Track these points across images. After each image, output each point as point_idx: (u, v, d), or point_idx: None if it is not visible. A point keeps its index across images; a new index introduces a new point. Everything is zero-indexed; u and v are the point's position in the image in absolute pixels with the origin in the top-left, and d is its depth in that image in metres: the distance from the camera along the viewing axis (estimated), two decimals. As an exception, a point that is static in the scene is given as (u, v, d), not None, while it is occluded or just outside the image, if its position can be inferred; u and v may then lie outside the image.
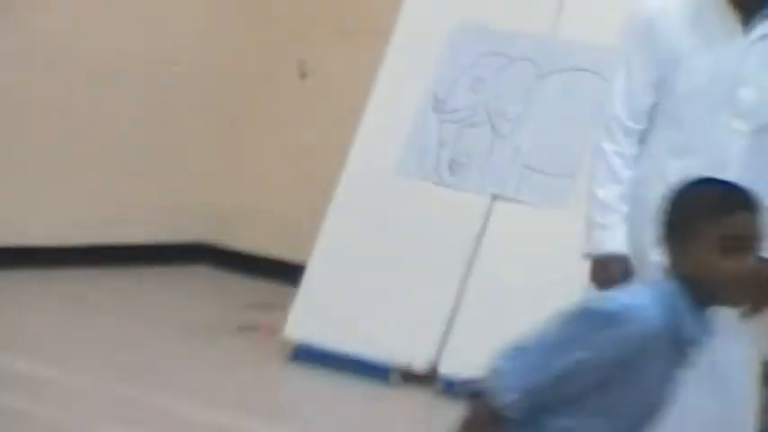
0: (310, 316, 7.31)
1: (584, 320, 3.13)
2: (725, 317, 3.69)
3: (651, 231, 3.83)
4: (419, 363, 6.91)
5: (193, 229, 10.05)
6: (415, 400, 6.98)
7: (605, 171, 4.60)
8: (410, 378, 6.96)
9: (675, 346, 3.15)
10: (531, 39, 7.34)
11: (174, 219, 9.91)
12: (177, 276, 9.33)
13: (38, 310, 8.03)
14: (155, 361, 7.24)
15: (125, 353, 7.34)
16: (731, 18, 4.45)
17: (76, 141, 9.36)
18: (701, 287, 3.11)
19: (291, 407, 7.53)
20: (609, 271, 4.43)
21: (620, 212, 4.47)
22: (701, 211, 3.34)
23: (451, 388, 6.71)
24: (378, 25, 7.96)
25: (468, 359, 6.52)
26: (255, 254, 9.38)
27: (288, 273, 7.97)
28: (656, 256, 3.68)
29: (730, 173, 4.21)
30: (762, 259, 3.63)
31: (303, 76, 9.12)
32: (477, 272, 7.03)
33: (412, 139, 7.31)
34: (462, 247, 7.05)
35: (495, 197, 6.90)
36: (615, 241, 4.44)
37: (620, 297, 3.26)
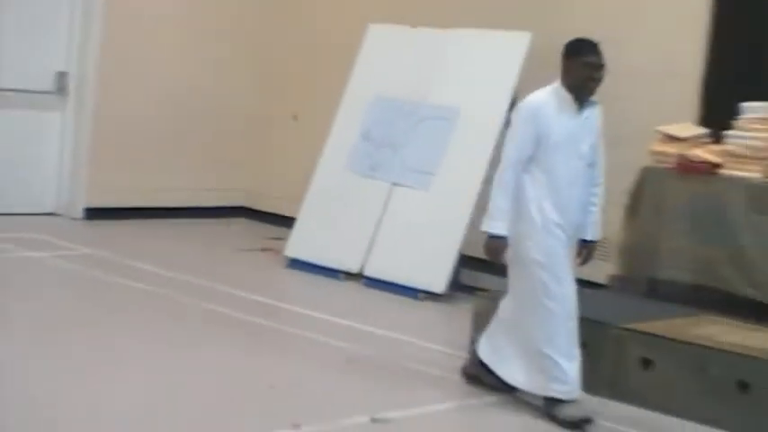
0: (298, 244, 10.83)
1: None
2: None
3: (526, 227, 6.44)
4: (354, 266, 10.28)
5: (238, 196, 13.51)
6: (351, 289, 10.11)
7: (505, 189, 6.51)
8: (350, 276, 10.31)
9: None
10: (412, 103, 10.62)
11: (227, 191, 13.37)
12: (225, 225, 13.13)
13: (156, 240, 11.62)
14: (216, 264, 10.82)
15: (201, 260, 10.99)
16: (574, 106, 6.56)
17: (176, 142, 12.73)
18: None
19: (284, 289, 10.54)
20: (496, 244, 6.55)
21: (508, 213, 6.48)
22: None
23: (372, 283, 10.12)
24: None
25: (382, 265, 10.03)
26: (273, 212, 12.96)
27: (290, 222, 11.20)
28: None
29: (576, 187, 6.55)
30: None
31: (294, 118, 12.73)
32: (386, 215, 10.40)
33: (353, 153, 10.80)
34: (379, 204, 10.42)
35: (394, 184, 10.44)
36: (503, 229, 6.49)
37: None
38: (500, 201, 6.42)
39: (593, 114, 6.60)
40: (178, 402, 6.35)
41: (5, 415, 5.73)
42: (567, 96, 6.46)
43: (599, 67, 6.45)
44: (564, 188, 6.46)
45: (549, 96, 6.50)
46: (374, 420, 6.22)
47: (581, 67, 6.44)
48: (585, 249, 6.73)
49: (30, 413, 5.81)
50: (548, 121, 6.42)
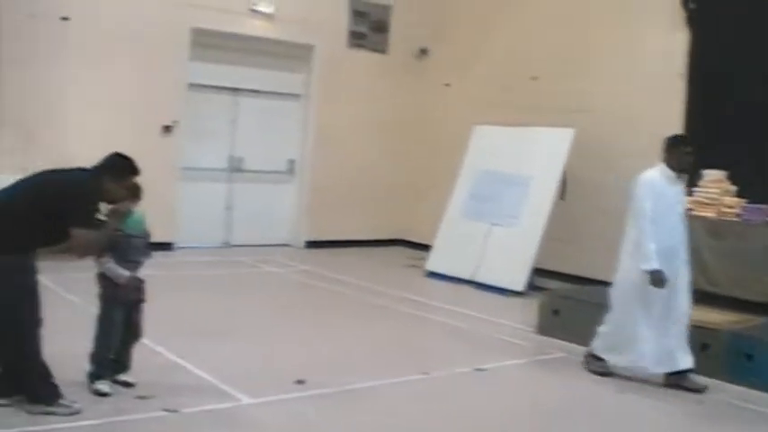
0: (434, 261, 10.90)
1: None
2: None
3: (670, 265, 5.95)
4: (467, 275, 10.36)
5: (397, 232, 13.53)
6: (465, 290, 10.03)
7: (649, 237, 6.04)
8: (465, 282, 10.15)
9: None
10: (503, 174, 10.66)
11: (390, 228, 13.43)
12: (389, 250, 13.01)
13: (346, 260, 11.69)
14: (381, 274, 10.80)
15: (372, 272, 10.95)
16: (675, 179, 6.22)
17: (358, 198, 12.96)
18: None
19: (423, 290, 10.01)
20: (658, 275, 6.00)
21: (656, 253, 5.97)
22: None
23: (479, 286, 9.97)
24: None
25: (485, 274, 9.88)
26: (418, 242, 12.67)
27: (428, 248, 11.25)
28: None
29: (677, 233, 6.14)
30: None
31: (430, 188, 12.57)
32: (488, 243, 10.29)
33: (466, 205, 10.81)
34: (483, 237, 10.42)
35: (492, 224, 10.42)
36: (657, 264, 6.01)
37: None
38: (650, 245, 6.04)
39: (683, 185, 6.40)
40: (360, 354, 6.77)
41: (274, 357, 6.36)
42: (671, 173, 6.23)
43: (691, 153, 6.23)
44: (673, 232, 6.22)
45: (657, 173, 6.22)
46: (476, 369, 6.46)
47: (682, 155, 6.21)
48: None
49: (288, 359, 6.35)
50: (660, 189, 6.15)
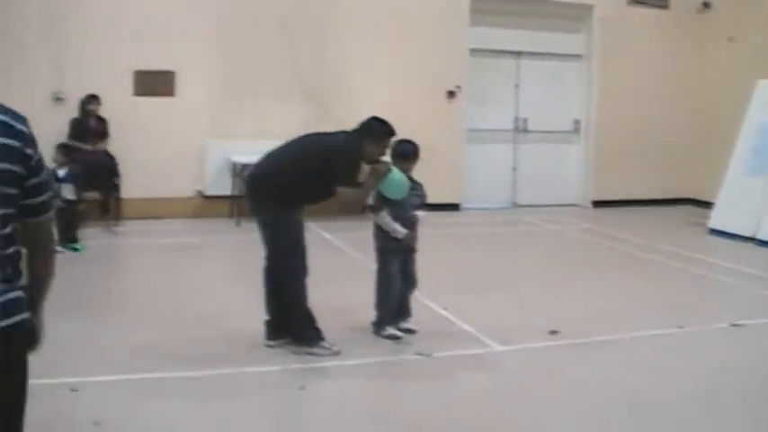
0: (716, 219, 10.53)
1: None
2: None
3: None
4: (749, 232, 9.83)
5: (684, 191, 13.24)
6: (745, 247, 9.53)
7: None
8: (746, 239, 9.68)
9: None
10: None
11: (676, 187, 13.21)
12: (676, 209, 12.70)
13: (630, 219, 11.58)
14: (663, 233, 10.43)
15: (655, 230, 10.58)
16: None
17: (641, 156, 12.77)
18: None
19: (702, 247, 9.66)
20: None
21: None
22: None
23: (760, 243, 9.44)
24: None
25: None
26: (706, 200, 11.89)
27: (711, 206, 10.81)
28: None
29: None
30: None
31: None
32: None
33: (747, 162, 10.38)
34: (762, 196, 10.09)
35: None
36: None
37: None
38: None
39: None
40: (619, 306, 6.80)
41: (533, 309, 6.54)
42: None
43: None
44: None
45: None
46: (733, 325, 6.20)
47: None
48: None
49: (547, 310, 6.48)
50: None
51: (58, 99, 9.99)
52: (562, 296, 7.14)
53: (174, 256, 8.50)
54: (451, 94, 11.81)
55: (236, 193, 9.72)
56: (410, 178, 5.56)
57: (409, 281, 5.79)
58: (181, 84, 10.43)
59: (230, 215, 10.28)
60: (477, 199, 12.25)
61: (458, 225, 10.89)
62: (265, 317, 5.49)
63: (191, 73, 10.51)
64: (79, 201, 8.69)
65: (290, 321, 5.32)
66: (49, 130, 8.94)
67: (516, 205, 12.60)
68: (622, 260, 8.82)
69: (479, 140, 12.28)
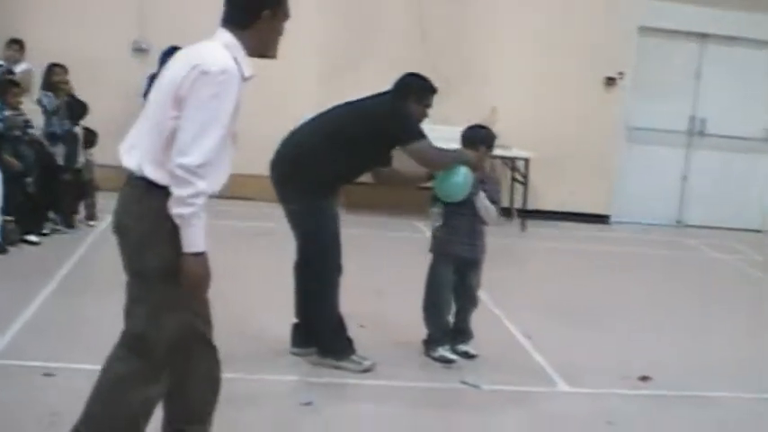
0: None
1: None
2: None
3: None
4: None
5: None
6: None
7: None
8: None
9: None
10: None
11: None
12: None
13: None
14: None
15: None
16: None
17: None
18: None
19: None
20: None
21: None
22: None
23: None
24: None
25: None
26: None
27: None
28: None
29: None
30: None
31: None
32: None
33: None
34: None
35: None
36: None
37: None
38: None
39: None
40: (734, 358, 6.43)
41: (626, 348, 6.32)
42: None
43: None
44: None
45: None
46: None
47: None
48: None
49: (642, 352, 6.24)
50: None
51: (140, 50, 10.35)
52: (684, 340, 6.83)
53: (242, 241, 8.63)
54: (611, 81, 11.65)
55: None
56: (481, 179, 5.53)
57: (468, 297, 5.71)
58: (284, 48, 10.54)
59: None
60: (632, 212, 12.00)
61: (599, 241, 10.64)
62: (294, 320, 5.48)
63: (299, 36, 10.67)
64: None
65: (318, 327, 5.28)
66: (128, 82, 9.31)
67: (681, 224, 12.29)
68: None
69: (642, 141, 12.03)
